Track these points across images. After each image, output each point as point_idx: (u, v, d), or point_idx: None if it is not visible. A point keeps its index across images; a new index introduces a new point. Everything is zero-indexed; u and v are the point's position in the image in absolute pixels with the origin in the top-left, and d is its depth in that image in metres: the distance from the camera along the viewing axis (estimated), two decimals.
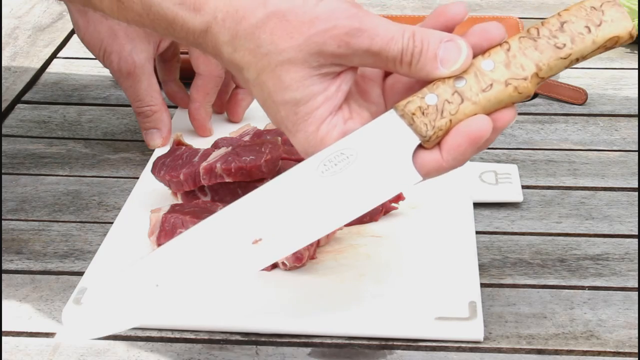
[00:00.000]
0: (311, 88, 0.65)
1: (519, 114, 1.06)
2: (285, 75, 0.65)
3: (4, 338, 0.74)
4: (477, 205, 0.89)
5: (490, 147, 0.99)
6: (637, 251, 0.83)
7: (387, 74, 0.69)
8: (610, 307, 0.77)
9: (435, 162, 0.65)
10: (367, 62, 0.65)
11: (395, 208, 0.86)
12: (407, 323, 0.73)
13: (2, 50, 1.21)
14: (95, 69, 1.16)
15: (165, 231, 0.81)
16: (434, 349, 0.72)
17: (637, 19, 1.18)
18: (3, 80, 1.14)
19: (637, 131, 1.02)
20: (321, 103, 0.65)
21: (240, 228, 0.65)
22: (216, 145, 0.93)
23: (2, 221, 0.88)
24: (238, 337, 0.74)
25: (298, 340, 0.73)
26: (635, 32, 0.65)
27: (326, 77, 0.65)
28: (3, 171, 0.96)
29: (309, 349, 0.73)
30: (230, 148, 0.88)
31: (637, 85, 1.12)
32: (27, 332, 0.75)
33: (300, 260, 0.78)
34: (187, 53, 0.99)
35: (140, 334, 0.74)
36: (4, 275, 0.81)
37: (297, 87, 0.65)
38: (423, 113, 0.64)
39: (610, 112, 1.07)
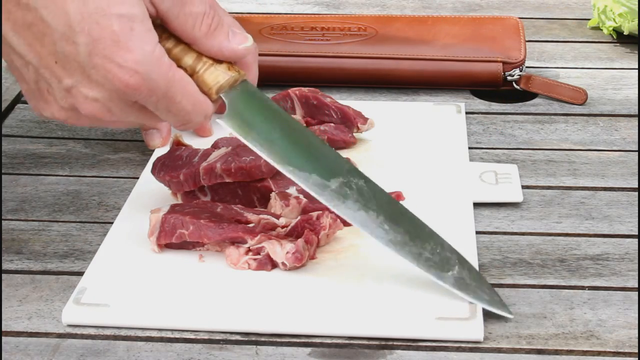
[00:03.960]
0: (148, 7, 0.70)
1: (519, 114, 1.07)
2: None
3: (4, 338, 0.74)
4: (477, 205, 0.89)
5: (490, 147, 0.99)
6: (637, 251, 0.83)
7: None
8: (610, 307, 0.77)
9: None
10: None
11: None
12: (407, 323, 0.74)
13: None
14: None
15: (165, 231, 0.81)
16: (434, 349, 0.72)
17: (637, 19, 1.18)
18: (3, 80, 1.14)
19: (637, 131, 1.02)
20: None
21: None
22: (216, 145, 0.93)
23: (2, 221, 0.88)
24: (238, 337, 0.74)
25: (298, 340, 0.73)
26: None
27: None
28: (3, 171, 0.96)
29: (309, 349, 0.73)
30: (230, 148, 0.88)
31: (637, 85, 1.12)
32: (27, 332, 0.75)
33: (300, 260, 0.78)
34: None
35: (140, 334, 0.74)
36: (4, 275, 0.81)
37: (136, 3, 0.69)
38: None
39: (610, 112, 1.07)
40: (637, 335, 0.74)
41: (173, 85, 0.70)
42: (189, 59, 0.73)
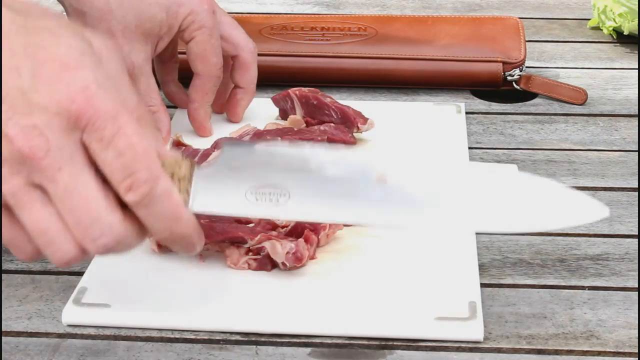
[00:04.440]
0: None
1: (519, 114, 1.07)
2: None
3: (4, 338, 0.74)
4: None
5: (490, 147, 0.99)
6: (637, 251, 0.83)
7: None
8: (610, 307, 0.77)
9: None
10: None
11: None
12: (407, 323, 0.73)
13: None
14: None
15: None
16: (434, 349, 0.72)
17: (637, 19, 1.18)
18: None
19: (637, 131, 1.02)
20: None
21: None
22: (216, 145, 0.93)
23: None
24: (238, 337, 0.74)
25: (298, 340, 0.73)
26: None
27: None
28: None
29: (309, 349, 0.73)
30: None
31: (637, 85, 1.12)
32: (27, 332, 0.75)
33: (300, 260, 0.78)
34: (185, 53, 0.99)
35: (140, 334, 0.74)
36: (4, 275, 0.81)
37: None
38: None
39: (610, 112, 1.07)
40: (637, 335, 0.74)
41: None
42: None
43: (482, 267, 0.81)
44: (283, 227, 0.81)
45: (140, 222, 0.64)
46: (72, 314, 0.75)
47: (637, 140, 1.01)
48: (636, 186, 0.93)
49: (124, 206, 0.63)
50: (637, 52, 1.20)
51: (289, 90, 1.00)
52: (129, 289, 0.78)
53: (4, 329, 0.75)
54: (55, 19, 0.64)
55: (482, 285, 0.79)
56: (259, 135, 0.95)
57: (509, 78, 1.10)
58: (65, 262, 0.63)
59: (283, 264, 0.79)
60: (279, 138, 0.90)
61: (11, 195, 0.62)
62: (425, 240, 0.83)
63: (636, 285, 0.79)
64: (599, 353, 0.72)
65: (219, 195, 0.66)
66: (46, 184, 0.62)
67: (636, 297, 0.78)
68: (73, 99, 0.61)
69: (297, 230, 0.81)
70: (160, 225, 0.64)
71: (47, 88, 0.61)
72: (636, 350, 0.72)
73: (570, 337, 0.73)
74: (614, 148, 0.99)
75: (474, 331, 0.73)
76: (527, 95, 1.10)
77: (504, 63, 1.10)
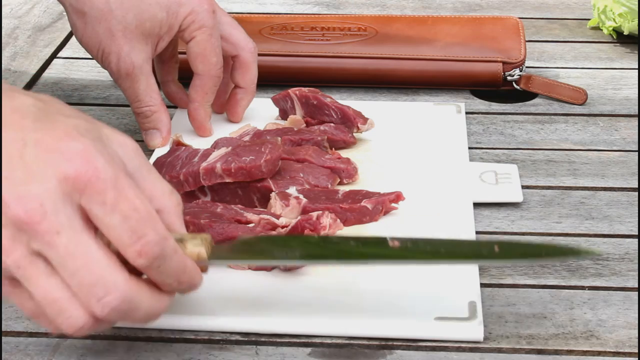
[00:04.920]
0: None
1: (519, 114, 1.07)
2: None
3: (4, 338, 0.74)
4: (477, 205, 0.88)
5: (490, 147, 0.99)
6: (637, 251, 0.83)
7: None
8: (610, 307, 0.77)
9: None
10: None
11: (396, 208, 0.86)
12: (407, 323, 0.73)
13: (2, 50, 1.21)
14: (95, 69, 1.16)
15: None
16: (434, 349, 0.72)
17: (637, 19, 1.18)
18: (3, 81, 1.14)
19: (637, 131, 1.02)
20: None
21: None
22: (216, 145, 0.93)
23: None
24: (238, 337, 0.74)
25: (298, 340, 0.73)
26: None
27: None
28: None
29: (309, 349, 0.73)
30: (230, 148, 0.88)
31: (637, 85, 1.12)
32: (27, 332, 0.75)
33: None
34: (185, 53, 0.99)
35: (140, 334, 0.74)
36: None
37: None
38: None
39: (610, 112, 1.07)
40: (637, 335, 0.74)
41: None
42: None
43: (482, 267, 0.81)
44: (283, 227, 0.81)
45: (147, 281, 0.65)
46: None
47: (637, 140, 1.01)
48: (636, 186, 0.93)
49: (126, 264, 0.64)
50: (637, 52, 1.20)
51: (289, 90, 1.00)
52: None
53: (4, 329, 0.75)
54: (76, 111, 0.66)
55: (482, 285, 0.79)
56: (258, 135, 0.95)
57: (509, 78, 1.10)
58: (76, 329, 0.64)
59: None
60: (279, 138, 0.90)
61: (16, 268, 0.63)
62: None
63: (636, 285, 0.79)
64: (599, 353, 0.72)
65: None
66: (46, 249, 0.62)
67: (636, 297, 0.78)
68: (70, 162, 0.62)
69: (297, 230, 0.81)
70: (169, 280, 0.66)
71: (45, 155, 0.62)
72: (636, 350, 0.72)
73: (570, 337, 0.73)
74: (614, 148, 0.99)
75: (474, 331, 0.73)
76: (527, 95, 1.10)
77: (504, 63, 1.10)
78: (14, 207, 0.61)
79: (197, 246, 0.67)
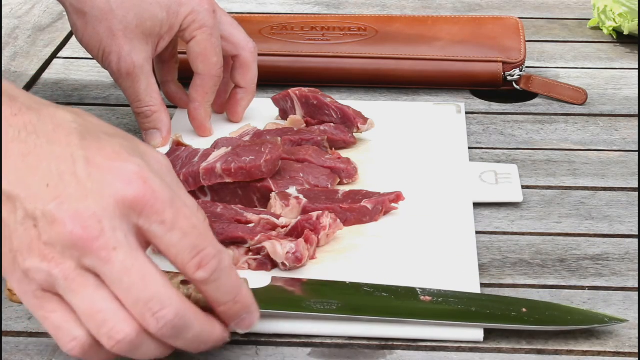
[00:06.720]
0: None
1: (519, 114, 1.07)
2: None
3: (4, 338, 0.74)
4: (477, 205, 0.89)
5: (490, 147, 0.99)
6: (637, 251, 0.83)
7: None
8: (610, 307, 0.77)
9: None
10: None
11: (396, 208, 0.86)
12: (407, 323, 0.73)
13: (2, 50, 1.21)
14: (95, 69, 1.16)
15: None
16: (434, 349, 0.72)
17: (637, 19, 1.18)
18: (3, 81, 1.14)
19: (637, 131, 1.02)
20: None
21: None
22: (216, 145, 0.94)
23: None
24: (238, 337, 0.74)
25: (298, 340, 0.73)
26: None
27: None
28: None
29: (309, 349, 0.73)
30: (230, 148, 0.88)
31: (637, 85, 1.12)
32: (27, 332, 0.75)
33: (300, 260, 0.78)
34: (185, 53, 0.99)
35: None
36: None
37: None
38: None
39: (610, 112, 1.07)
40: (637, 335, 0.74)
41: None
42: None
43: (482, 267, 0.81)
44: (283, 227, 0.81)
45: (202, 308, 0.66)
46: None
47: (637, 140, 1.01)
48: (636, 186, 0.93)
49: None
50: (637, 52, 1.20)
51: (289, 90, 1.00)
52: None
53: (4, 329, 0.75)
54: (112, 127, 0.67)
55: (482, 285, 0.79)
56: (258, 135, 0.95)
57: (509, 78, 1.10)
58: (120, 340, 0.63)
59: (283, 264, 0.79)
60: (279, 138, 0.90)
61: (64, 279, 0.63)
62: (425, 240, 0.83)
63: (636, 285, 0.79)
64: (599, 353, 0.72)
65: None
66: (100, 266, 0.62)
67: (636, 297, 0.78)
68: (129, 185, 0.63)
69: (297, 231, 0.81)
70: (226, 297, 0.66)
71: (98, 174, 0.63)
72: (636, 350, 0.72)
73: (570, 337, 0.73)
74: (614, 148, 0.99)
75: (474, 331, 0.73)
76: (527, 95, 1.10)
77: (504, 63, 1.10)
78: (69, 224, 0.62)
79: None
